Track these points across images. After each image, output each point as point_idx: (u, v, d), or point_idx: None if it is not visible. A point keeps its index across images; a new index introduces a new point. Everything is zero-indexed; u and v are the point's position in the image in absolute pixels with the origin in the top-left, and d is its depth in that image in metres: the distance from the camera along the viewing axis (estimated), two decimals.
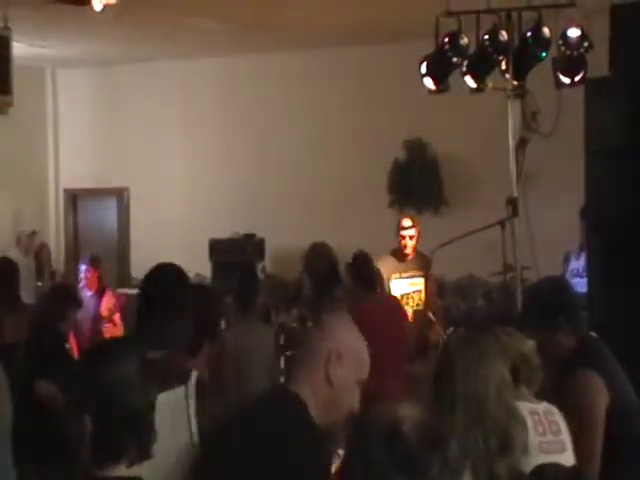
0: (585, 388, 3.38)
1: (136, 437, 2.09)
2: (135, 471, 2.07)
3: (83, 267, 8.76)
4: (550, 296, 3.65)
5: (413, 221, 7.32)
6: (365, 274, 6.13)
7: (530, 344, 3.15)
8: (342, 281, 6.49)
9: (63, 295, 5.69)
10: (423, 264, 7.03)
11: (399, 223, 7.31)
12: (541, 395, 3.21)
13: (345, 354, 2.44)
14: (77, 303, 5.73)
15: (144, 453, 2.10)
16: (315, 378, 2.41)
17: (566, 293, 3.73)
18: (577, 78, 6.00)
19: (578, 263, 6.92)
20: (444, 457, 1.50)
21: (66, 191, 11.66)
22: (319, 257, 6.39)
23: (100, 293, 7.76)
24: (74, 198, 11.69)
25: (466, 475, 1.50)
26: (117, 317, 7.73)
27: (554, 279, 4.02)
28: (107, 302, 7.78)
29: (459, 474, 1.50)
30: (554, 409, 3.07)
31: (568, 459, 3.04)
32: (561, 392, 3.37)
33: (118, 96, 11.25)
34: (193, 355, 3.85)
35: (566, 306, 3.59)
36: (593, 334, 3.66)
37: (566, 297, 3.67)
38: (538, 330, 3.39)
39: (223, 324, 8.24)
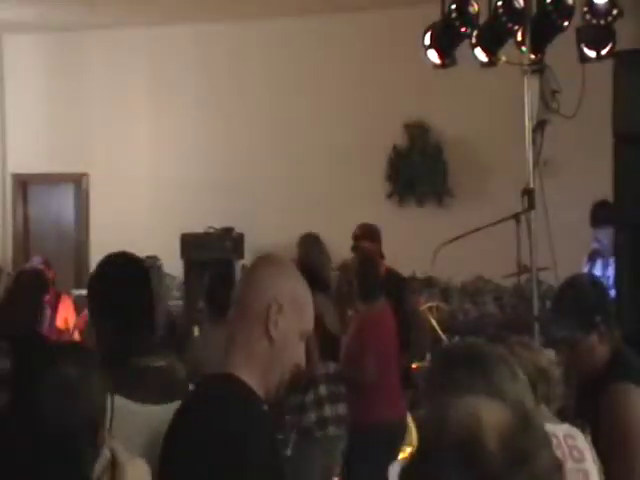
0: (624, 404, 3.38)
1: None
2: None
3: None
4: (589, 292, 3.65)
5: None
6: (374, 278, 6.24)
7: (548, 356, 3.13)
8: (329, 284, 6.50)
9: None
10: None
11: None
12: (562, 413, 3.19)
13: (286, 304, 2.41)
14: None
15: None
16: (252, 339, 2.40)
17: (605, 292, 3.74)
18: (604, 51, 5.97)
19: (594, 271, 6.94)
20: (532, 475, 1.44)
21: (14, 176, 11.57)
22: (309, 251, 6.43)
23: (55, 301, 7.52)
24: (24, 185, 11.61)
25: None
26: (75, 330, 7.58)
27: (592, 275, 4.03)
28: (63, 311, 7.61)
29: None
30: (577, 432, 3.05)
31: None
32: (596, 410, 3.36)
33: (76, 67, 11.17)
34: None
35: (605, 306, 3.60)
36: (626, 347, 3.65)
37: (605, 296, 3.68)
38: (571, 329, 3.37)
39: (196, 331, 8.29)
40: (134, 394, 2.74)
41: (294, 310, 2.43)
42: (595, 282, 3.88)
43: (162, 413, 2.58)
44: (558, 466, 1.48)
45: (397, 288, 6.60)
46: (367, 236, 7.03)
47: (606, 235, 6.46)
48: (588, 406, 3.42)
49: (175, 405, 2.44)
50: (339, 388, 6.02)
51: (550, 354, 3.33)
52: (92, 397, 2.32)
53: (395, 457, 6.02)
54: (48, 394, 2.23)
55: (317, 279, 6.03)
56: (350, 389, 6.01)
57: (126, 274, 3.19)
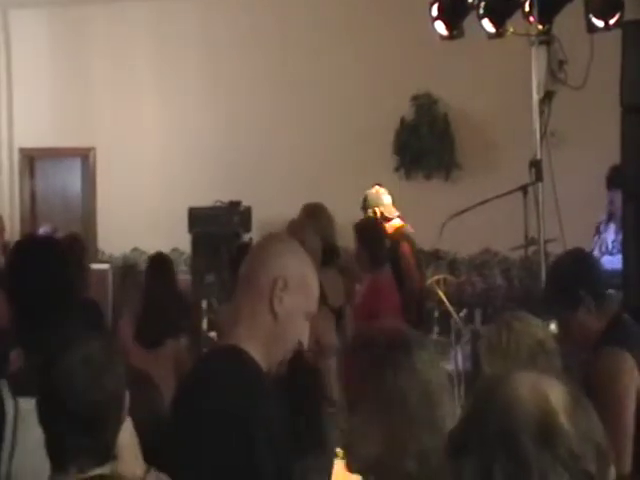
0: (614, 366, 3.40)
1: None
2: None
3: None
4: (570, 268, 3.70)
5: None
6: (377, 243, 6.26)
7: (546, 328, 3.16)
8: (339, 253, 6.52)
9: None
10: None
11: None
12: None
13: (292, 282, 2.44)
14: None
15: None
16: (256, 313, 2.43)
17: (588, 265, 3.77)
18: (612, 21, 5.96)
19: (606, 237, 6.93)
20: (598, 449, 1.47)
21: (21, 151, 11.58)
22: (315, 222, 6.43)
23: None
24: (31, 159, 11.62)
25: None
26: None
27: (575, 250, 4.07)
28: None
29: (609, 465, 1.49)
30: None
31: None
32: (588, 376, 3.39)
33: (82, 41, 11.14)
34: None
35: (588, 279, 3.63)
36: (625, 315, 3.67)
37: (588, 269, 3.71)
38: (559, 308, 3.40)
39: (204, 305, 8.32)
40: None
41: (299, 289, 2.46)
42: (578, 256, 3.90)
43: None
44: (603, 444, 1.51)
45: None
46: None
47: (620, 198, 6.45)
48: (581, 374, 3.45)
49: None
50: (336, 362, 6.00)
51: (550, 326, 3.35)
52: (117, 371, 2.26)
53: None
54: (78, 369, 2.17)
55: (325, 251, 6.05)
56: None
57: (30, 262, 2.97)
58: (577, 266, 3.71)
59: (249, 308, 2.45)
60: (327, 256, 6.05)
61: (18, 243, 3.29)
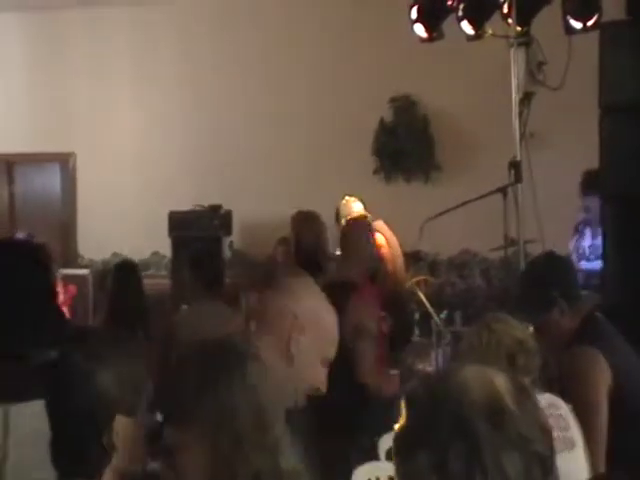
0: (585, 365, 3.43)
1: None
2: None
3: None
4: (543, 271, 3.73)
5: None
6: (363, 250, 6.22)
7: (525, 329, 3.17)
8: (325, 259, 6.49)
9: None
10: None
11: None
12: (546, 386, 3.22)
13: (310, 325, 2.37)
14: None
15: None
16: (272, 350, 2.34)
17: (561, 267, 3.81)
18: (590, 22, 5.99)
19: (583, 243, 6.96)
20: (545, 430, 1.50)
21: (0, 156, 11.51)
22: (304, 228, 6.40)
23: None
24: (9, 165, 11.54)
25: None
26: (63, 305, 7.64)
27: (548, 253, 4.12)
28: None
29: (553, 447, 1.51)
30: (559, 402, 3.11)
31: (578, 457, 3.07)
32: (561, 375, 3.41)
33: (59, 46, 11.08)
34: None
35: (561, 281, 3.67)
36: (598, 314, 3.70)
37: (561, 271, 3.74)
38: (532, 310, 3.42)
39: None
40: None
41: (317, 333, 2.38)
42: (550, 259, 3.93)
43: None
44: (551, 431, 1.54)
45: None
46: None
47: (596, 204, 6.48)
48: (556, 373, 3.47)
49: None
50: None
51: (529, 327, 3.36)
52: (139, 363, 2.26)
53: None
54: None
55: (311, 260, 6.01)
56: None
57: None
58: (550, 269, 3.74)
59: (263, 344, 2.34)
60: (318, 265, 6.00)
61: None
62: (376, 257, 6.01)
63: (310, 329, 2.37)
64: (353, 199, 7.70)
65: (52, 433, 2.17)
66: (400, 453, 1.52)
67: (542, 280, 3.66)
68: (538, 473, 1.45)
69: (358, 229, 5.70)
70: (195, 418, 1.84)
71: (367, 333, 4.96)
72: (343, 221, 7.52)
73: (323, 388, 2.39)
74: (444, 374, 1.58)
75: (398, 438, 1.54)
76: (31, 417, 2.53)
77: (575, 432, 3.08)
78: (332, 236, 7.45)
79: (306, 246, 6.15)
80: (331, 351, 2.42)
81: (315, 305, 2.43)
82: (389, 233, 7.40)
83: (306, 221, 6.53)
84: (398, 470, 1.51)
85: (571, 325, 3.58)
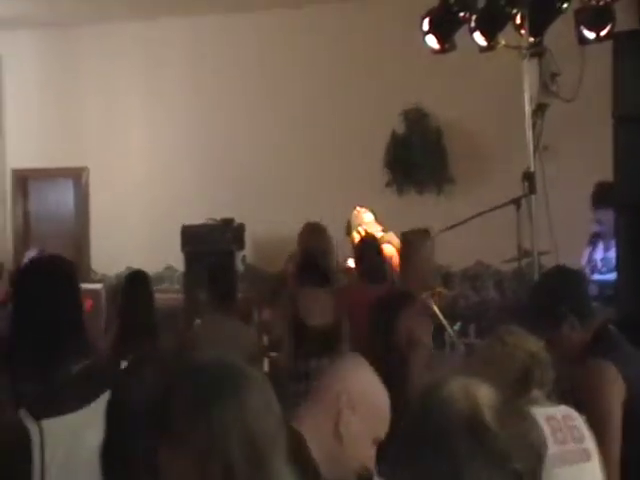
0: (598, 378, 3.43)
1: None
2: None
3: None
4: (552, 286, 3.72)
5: None
6: (374, 263, 6.22)
7: (538, 342, 3.16)
8: (332, 270, 6.46)
9: None
10: None
11: None
12: (560, 399, 3.20)
13: (361, 405, 2.33)
14: None
15: None
16: (322, 429, 2.32)
17: (570, 282, 3.79)
18: (603, 32, 5.96)
19: (595, 256, 6.93)
20: (528, 448, 1.48)
21: (14, 172, 11.55)
22: (306, 240, 6.40)
23: None
24: (24, 180, 11.58)
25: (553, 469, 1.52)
26: None
27: (557, 267, 4.10)
28: None
29: (541, 466, 1.48)
30: (574, 413, 3.10)
31: (594, 468, 3.05)
32: (574, 388, 3.39)
33: (72, 62, 11.13)
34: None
35: (570, 297, 3.66)
36: (611, 327, 3.68)
37: (570, 287, 3.73)
38: (542, 325, 3.41)
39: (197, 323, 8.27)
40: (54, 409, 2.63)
41: (368, 412, 2.35)
42: (560, 274, 3.92)
43: (81, 418, 2.55)
44: (545, 444, 1.53)
45: None
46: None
47: (608, 216, 6.45)
48: (568, 386, 3.45)
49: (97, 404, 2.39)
50: None
51: (537, 339, 3.34)
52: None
53: None
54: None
55: (314, 271, 6.00)
56: None
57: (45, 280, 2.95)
58: (560, 284, 3.73)
59: (313, 422, 2.34)
60: (321, 277, 5.98)
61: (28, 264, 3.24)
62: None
63: (361, 409, 2.34)
64: (364, 210, 7.69)
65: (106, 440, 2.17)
66: (385, 472, 1.52)
67: (552, 295, 3.64)
68: None
69: (417, 243, 5.70)
70: (187, 441, 1.77)
71: (420, 344, 4.95)
72: (354, 233, 7.52)
73: (372, 467, 2.34)
74: (433, 386, 1.55)
75: (383, 454, 1.53)
76: (65, 431, 2.56)
77: (590, 444, 3.07)
78: (343, 248, 7.44)
79: (311, 258, 6.14)
80: (382, 430, 2.37)
81: (366, 385, 2.40)
82: (399, 244, 7.39)
83: (312, 233, 6.54)
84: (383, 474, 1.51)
85: (582, 339, 3.57)
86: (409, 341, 4.78)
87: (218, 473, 1.73)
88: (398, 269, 7.13)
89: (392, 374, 2.45)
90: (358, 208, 7.74)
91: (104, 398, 2.23)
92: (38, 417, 2.55)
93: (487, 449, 1.43)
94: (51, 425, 2.54)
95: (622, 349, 3.59)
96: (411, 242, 5.75)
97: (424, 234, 5.99)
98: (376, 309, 5.11)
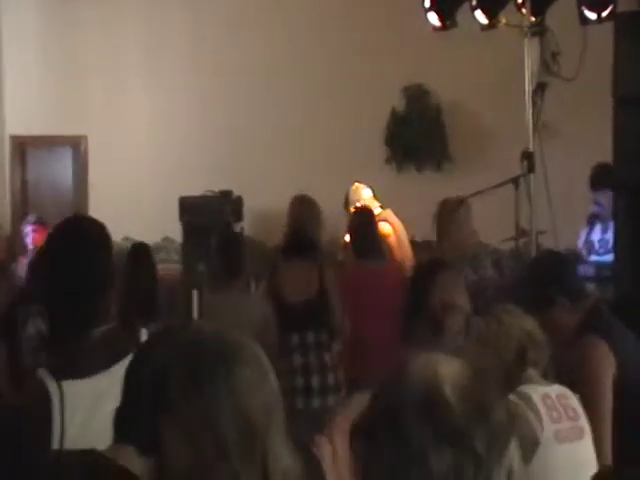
0: (590, 354, 3.46)
1: None
2: None
3: (29, 228, 8.72)
4: (541, 270, 3.76)
5: None
6: (368, 237, 6.23)
7: (532, 320, 3.19)
8: (319, 243, 6.43)
9: None
10: None
11: None
12: (555, 379, 3.22)
13: None
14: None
15: None
16: None
17: (559, 266, 3.82)
18: (605, 13, 5.94)
19: (592, 237, 6.94)
20: (491, 428, 1.43)
21: (12, 138, 11.49)
22: (294, 212, 6.40)
23: None
24: (22, 147, 11.52)
25: (512, 447, 1.46)
26: None
27: (545, 251, 4.14)
28: None
29: (506, 447, 1.44)
30: (568, 392, 3.13)
31: (587, 446, 3.09)
32: (568, 368, 3.42)
33: (72, 30, 11.06)
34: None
35: (560, 280, 3.69)
36: (601, 306, 3.72)
37: (559, 270, 3.76)
38: (533, 309, 3.43)
39: (195, 295, 8.29)
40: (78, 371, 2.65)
41: None
42: (548, 258, 3.98)
43: (100, 382, 2.58)
44: (513, 421, 1.48)
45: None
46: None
47: (606, 198, 6.46)
48: (562, 364, 3.47)
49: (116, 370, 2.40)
50: (316, 359, 5.84)
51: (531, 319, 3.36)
52: None
53: None
54: None
55: (300, 243, 5.99)
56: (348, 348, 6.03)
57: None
58: (548, 268, 3.76)
59: None
60: (307, 249, 5.96)
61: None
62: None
63: None
64: (363, 186, 7.69)
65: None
66: (354, 435, 1.51)
67: (541, 279, 3.68)
68: (469, 470, 1.40)
69: (451, 210, 5.74)
70: (180, 415, 1.76)
71: (456, 309, 4.97)
72: (352, 208, 7.52)
73: None
74: (407, 363, 1.54)
75: (356, 422, 1.52)
76: (84, 394, 2.59)
77: (584, 421, 3.11)
78: (342, 222, 7.43)
79: (298, 231, 6.14)
80: None
81: None
82: (396, 222, 7.39)
83: (301, 205, 6.53)
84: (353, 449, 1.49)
85: (573, 320, 3.60)
86: (444, 306, 4.78)
87: (211, 447, 1.72)
88: (395, 248, 7.17)
89: (426, 340, 2.44)
90: (357, 184, 7.74)
91: (123, 364, 2.23)
92: (58, 378, 2.58)
93: (440, 426, 1.39)
94: (70, 387, 2.56)
95: (613, 328, 3.62)
96: (446, 210, 5.78)
97: (459, 202, 6.02)
98: (412, 276, 5.03)
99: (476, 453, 1.40)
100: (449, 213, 5.81)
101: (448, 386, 1.42)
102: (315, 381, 5.81)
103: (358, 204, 7.48)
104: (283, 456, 1.76)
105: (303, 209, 6.53)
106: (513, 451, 1.72)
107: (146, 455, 1.93)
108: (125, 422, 2.01)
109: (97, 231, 3.08)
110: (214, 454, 1.72)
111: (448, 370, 1.45)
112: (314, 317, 5.84)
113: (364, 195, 7.61)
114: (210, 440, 1.72)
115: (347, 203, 7.67)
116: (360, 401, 2.04)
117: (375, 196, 7.73)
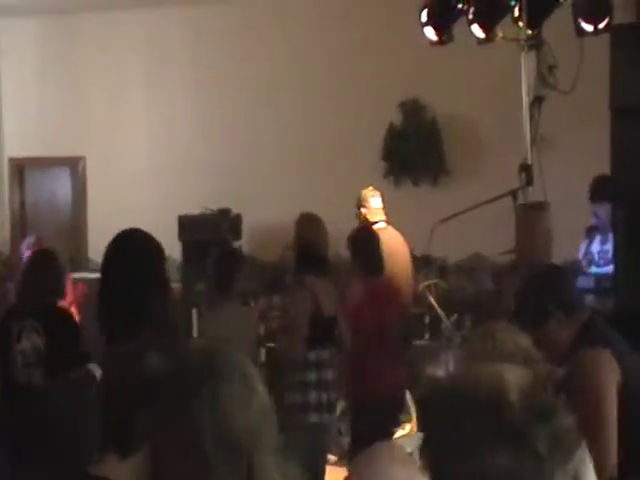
0: (592, 364, 3.43)
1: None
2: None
3: (27, 248, 8.73)
4: (538, 286, 3.76)
5: None
6: (373, 255, 6.22)
7: (526, 337, 3.17)
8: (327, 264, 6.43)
9: None
10: None
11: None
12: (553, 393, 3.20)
13: None
14: None
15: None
16: None
17: (556, 281, 3.81)
18: (601, 25, 5.94)
19: (592, 249, 6.94)
20: (553, 431, 1.44)
21: (11, 160, 11.51)
22: (304, 230, 6.38)
23: None
24: (20, 168, 11.54)
25: (580, 454, 1.48)
26: (73, 306, 7.61)
27: (543, 267, 4.13)
28: None
29: (571, 452, 1.45)
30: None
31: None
32: (565, 381, 3.39)
33: (71, 50, 11.09)
34: None
35: (556, 295, 3.67)
36: (597, 318, 3.70)
37: (556, 285, 3.76)
38: (529, 324, 3.41)
39: (194, 314, 8.27)
40: None
41: None
42: (545, 273, 3.95)
43: None
44: (575, 428, 1.49)
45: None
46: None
47: (605, 210, 6.46)
48: (556, 379, 3.45)
49: None
50: (331, 374, 5.89)
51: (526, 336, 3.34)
52: None
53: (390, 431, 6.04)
54: None
55: (314, 260, 6.00)
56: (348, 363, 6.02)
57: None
58: (545, 284, 3.74)
59: None
60: (321, 266, 5.99)
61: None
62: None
63: None
64: (374, 192, 7.66)
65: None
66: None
67: (537, 295, 3.67)
68: (529, 470, 1.41)
69: (535, 215, 5.74)
70: (168, 429, 1.75)
71: None
72: (357, 212, 7.51)
73: None
74: (460, 374, 1.57)
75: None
76: None
77: None
78: (342, 238, 7.38)
79: (314, 247, 6.12)
80: None
81: None
82: (396, 237, 7.37)
83: (311, 223, 6.51)
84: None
85: (569, 334, 3.58)
86: None
87: (196, 462, 1.71)
88: (394, 266, 7.17)
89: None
90: (370, 187, 7.70)
91: None
92: None
93: (503, 424, 1.42)
94: None
95: (610, 338, 3.60)
96: (529, 214, 5.76)
97: (541, 205, 5.99)
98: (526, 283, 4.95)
99: (537, 453, 1.42)
100: (535, 216, 5.77)
101: (512, 388, 1.45)
102: (324, 397, 5.80)
103: (363, 210, 7.46)
104: (270, 472, 1.74)
105: (313, 226, 6.51)
106: (581, 458, 1.73)
107: (127, 459, 2.01)
108: (108, 427, 2.05)
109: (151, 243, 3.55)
110: (199, 469, 1.71)
111: (511, 374, 1.48)
112: (333, 334, 5.87)
113: (372, 203, 7.57)
114: (195, 455, 1.71)
115: (359, 203, 7.65)
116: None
117: (384, 209, 7.69)
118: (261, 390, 1.80)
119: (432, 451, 1.46)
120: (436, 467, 1.45)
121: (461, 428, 1.42)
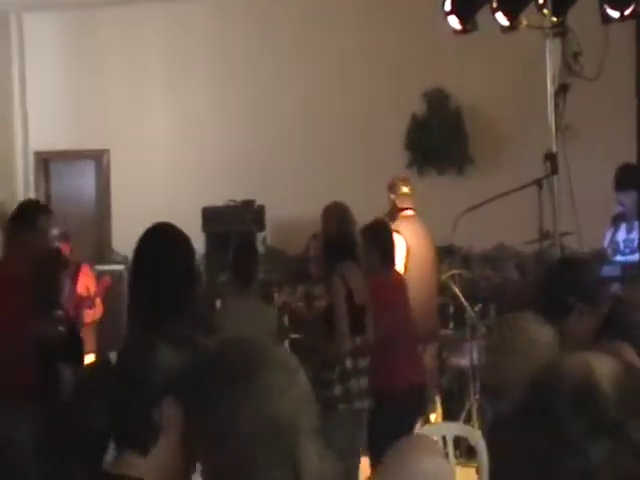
0: (616, 355, 3.37)
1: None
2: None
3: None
4: (559, 278, 3.72)
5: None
6: (386, 244, 6.19)
7: (549, 328, 3.13)
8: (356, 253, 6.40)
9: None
10: None
11: None
12: None
13: None
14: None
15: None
16: None
17: (577, 273, 3.76)
18: (627, 11, 5.85)
19: (617, 237, 6.88)
20: None
21: (36, 154, 11.55)
22: (334, 218, 6.34)
23: (74, 271, 7.58)
24: (46, 162, 11.59)
25: None
26: (96, 297, 7.60)
27: (561, 259, 4.07)
28: (84, 280, 7.65)
29: None
30: None
31: None
32: None
33: (95, 44, 11.10)
34: None
35: (578, 287, 3.63)
36: (619, 307, 3.68)
37: (577, 277, 3.72)
38: (551, 317, 3.37)
39: (218, 304, 8.27)
40: None
41: None
42: (564, 264, 3.94)
43: None
44: None
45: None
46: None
47: (630, 198, 6.39)
48: None
49: None
50: (364, 361, 5.88)
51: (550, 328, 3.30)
52: None
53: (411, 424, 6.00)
54: None
55: (343, 249, 5.97)
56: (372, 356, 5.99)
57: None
58: (566, 275, 3.72)
59: None
60: (352, 253, 5.95)
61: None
62: None
63: None
64: (404, 178, 7.67)
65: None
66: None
67: (558, 287, 3.64)
68: (628, 459, 1.38)
69: None
70: (208, 420, 1.77)
71: None
72: (391, 195, 7.52)
73: None
74: (546, 367, 1.52)
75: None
76: None
77: None
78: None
79: (333, 235, 6.08)
80: None
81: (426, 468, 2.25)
82: (413, 230, 7.33)
83: (340, 212, 6.46)
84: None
85: (592, 324, 3.56)
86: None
87: (236, 452, 1.73)
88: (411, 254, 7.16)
89: None
90: (402, 175, 7.71)
91: None
92: None
93: (598, 415, 1.37)
94: None
95: (631, 330, 3.58)
96: None
97: None
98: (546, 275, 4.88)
99: (635, 443, 1.38)
100: None
101: (604, 378, 1.42)
102: (363, 383, 5.79)
103: (392, 196, 7.47)
104: (311, 457, 1.76)
105: (343, 214, 6.47)
106: None
107: (147, 454, 2.08)
108: (123, 424, 2.14)
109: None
110: (240, 457, 1.73)
111: (603, 365, 1.44)
112: (361, 320, 5.84)
113: (402, 189, 7.56)
114: (236, 443, 1.73)
115: (390, 187, 7.67)
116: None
117: (411, 197, 7.66)
118: (300, 376, 1.83)
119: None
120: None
121: (558, 422, 1.38)
